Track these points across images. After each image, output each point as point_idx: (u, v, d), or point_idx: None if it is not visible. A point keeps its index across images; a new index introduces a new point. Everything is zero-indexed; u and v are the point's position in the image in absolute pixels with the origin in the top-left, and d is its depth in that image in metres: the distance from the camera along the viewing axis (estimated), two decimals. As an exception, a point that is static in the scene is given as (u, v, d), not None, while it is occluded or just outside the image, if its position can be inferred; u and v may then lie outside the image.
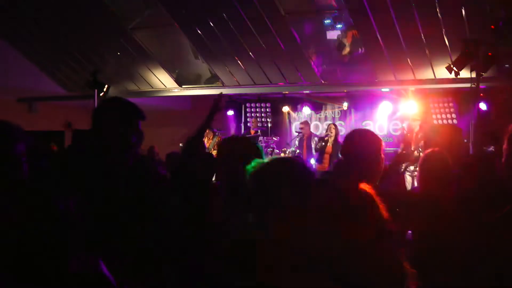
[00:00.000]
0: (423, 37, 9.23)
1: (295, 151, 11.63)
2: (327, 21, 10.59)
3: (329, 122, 12.88)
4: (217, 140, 11.15)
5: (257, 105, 13.99)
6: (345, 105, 12.19)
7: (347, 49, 11.38)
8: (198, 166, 3.06)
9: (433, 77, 10.04)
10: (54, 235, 1.77)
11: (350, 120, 12.76)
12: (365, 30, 9.61)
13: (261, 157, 2.53)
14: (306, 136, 11.57)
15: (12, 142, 2.14)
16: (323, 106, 13.27)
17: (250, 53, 10.94)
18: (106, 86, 11.65)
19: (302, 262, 1.64)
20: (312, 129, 12.73)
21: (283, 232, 1.72)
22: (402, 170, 9.97)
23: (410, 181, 9.45)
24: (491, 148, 7.33)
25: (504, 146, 2.56)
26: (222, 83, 12.15)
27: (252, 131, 12.80)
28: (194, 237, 2.43)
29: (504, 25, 8.58)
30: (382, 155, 2.66)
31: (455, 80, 8.97)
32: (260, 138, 12.42)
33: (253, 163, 1.97)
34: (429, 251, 3.00)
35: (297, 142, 11.88)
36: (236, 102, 13.98)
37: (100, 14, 11.32)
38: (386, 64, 10.14)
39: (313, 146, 11.19)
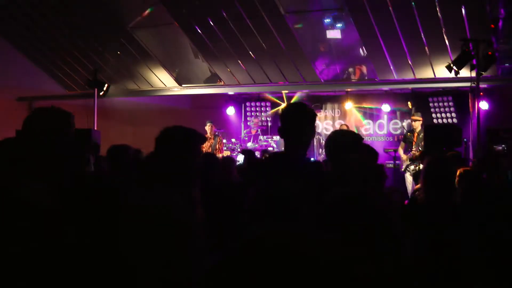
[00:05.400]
0: (423, 37, 9.24)
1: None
2: (327, 20, 10.60)
3: (329, 121, 12.90)
4: (218, 140, 11.05)
5: (257, 104, 13.98)
6: (347, 105, 12.19)
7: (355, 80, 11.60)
8: None
9: (433, 76, 10.05)
10: None
11: (350, 119, 12.76)
12: (365, 29, 9.61)
13: None
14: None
15: None
16: (323, 106, 13.25)
17: (250, 52, 10.94)
18: (106, 85, 11.69)
19: None
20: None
21: None
22: (403, 169, 10.00)
23: (410, 181, 9.46)
24: (501, 147, 7.29)
25: None
26: (223, 82, 12.16)
27: (253, 131, 12.81)
28: None
29: (504, 24, 8.59)
30: None
31: (455, 79, 9.00)
32: (261, 137, 12.42)
33: None
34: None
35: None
36: (236, 101, 13.99)
37: (100, 13, 11.33)
38: (386, 63, 10.15)
39: (315, 144, 11.20)
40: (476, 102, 8.25)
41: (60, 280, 1.99)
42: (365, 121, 12.64)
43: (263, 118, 13.66)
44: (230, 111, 13.75)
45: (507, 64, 9.82)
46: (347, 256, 1.34)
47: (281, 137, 3.10)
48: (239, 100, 14.03)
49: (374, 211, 1.73)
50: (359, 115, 12.64)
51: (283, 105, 13.07)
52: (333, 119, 12.96)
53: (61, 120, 2.37)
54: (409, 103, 11.68)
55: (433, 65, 9.77)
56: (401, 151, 10.41)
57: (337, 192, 1.80)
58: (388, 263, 1.64)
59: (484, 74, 8.20)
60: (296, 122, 3.01)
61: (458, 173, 4.73)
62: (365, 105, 12.52)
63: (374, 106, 12.43)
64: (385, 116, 12.49)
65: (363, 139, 3.23)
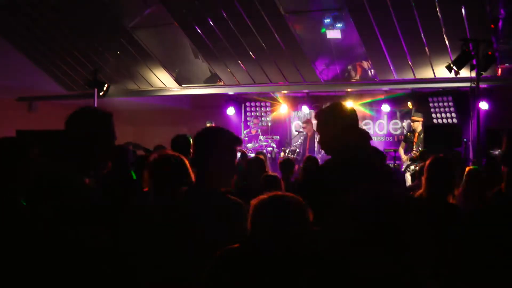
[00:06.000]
0: (423, 37, 9.23)
1: (295, 150, 11.63)
2: (327, 20, 10.59)
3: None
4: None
5: (257, 104, 13.97)
6: (347, 104, 12.17)
7: (356, 78, 11.57)
8: None
9: (433, 76, 10.05)
10: None
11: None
12: (365, 29, 9.60)
13: None
14: (309, 135, 11.54)
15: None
16: (323, 106, 13.21)
17: (250, 52, 10.94)
18: (106, 85, 11.68)
19: None
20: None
21: None
22: (403, 169, 10.00)
23: (410, 180, 9.46)
24: (497, 152, 7.27)
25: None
26: (223, 82, 12.16)
27: (253, 131, 12.81)
28: None
29: (504, 24, 8.59)
30: None
31: (455, 79, 8.99)
32: (261, 137, 12.42)
33: None
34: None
35: (300, 141, 11.91)
36: (236, 101, 13.98)
37: (100, 13, 11.32)
38: (386, 63, 10.14)
39: (315, 144, 11.21)
40: (476, 102, 8.24)
41: (60, 280, 2.00)
42: (369, 112, 12.58)
43: (263, 119, 13.66)
44: (230, 111, 13.74)
45: (507, 64, 9.81)
46: (358, 257, 1.34)
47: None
48: (239, 100, 14.02)
49: (393, 209, 1.73)
50: (361, 108, 12.58)
51: (282, 105, 13.09)
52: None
53: (102, 121, 2.41)
54: (409, 103, 11.67)
55: (433, 65, 9.76)
56: (401, 151, 10.40)
57: (357, 190, 1.80)
58: (397, 263, 1.64)
59: (484, 74, 8.19)
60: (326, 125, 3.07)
61: (465, 173, 4.72)
62: (365, 101, 12.51)
63: (374, 99, 12.40)
64: (385, 116, 12.49)
65: (371, 138, 3.21)
